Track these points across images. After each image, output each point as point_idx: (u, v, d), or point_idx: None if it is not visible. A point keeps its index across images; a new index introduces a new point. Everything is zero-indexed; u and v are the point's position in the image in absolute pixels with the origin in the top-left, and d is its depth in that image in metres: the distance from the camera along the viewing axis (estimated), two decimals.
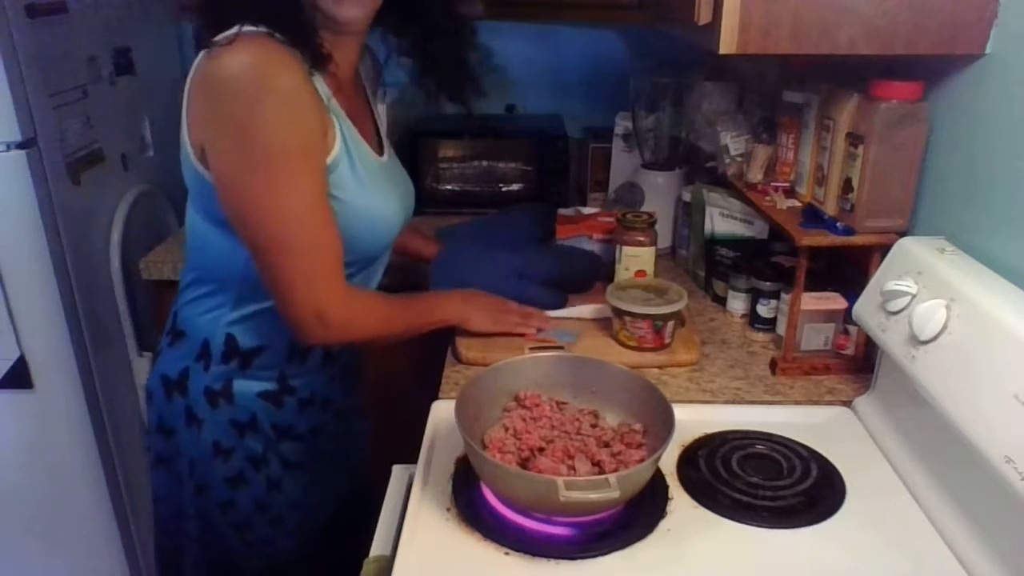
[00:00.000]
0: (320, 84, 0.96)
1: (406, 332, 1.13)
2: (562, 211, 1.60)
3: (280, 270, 0.95)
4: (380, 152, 1.11)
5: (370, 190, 1.02)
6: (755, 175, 1.34)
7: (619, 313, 1.22)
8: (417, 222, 1.83)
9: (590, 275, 1.37)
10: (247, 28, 0.90)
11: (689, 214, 1.55)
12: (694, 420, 1.04)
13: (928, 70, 1.07)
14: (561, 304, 1.34)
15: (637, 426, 0.96)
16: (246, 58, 0.88)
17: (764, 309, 1.30)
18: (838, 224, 1.12)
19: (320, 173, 0.94)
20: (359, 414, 1.30)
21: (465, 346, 1.22)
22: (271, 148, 0.90)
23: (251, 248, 0.95)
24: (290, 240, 0.93)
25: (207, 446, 1.06)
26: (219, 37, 0.89)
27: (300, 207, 0.93)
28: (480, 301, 1.25)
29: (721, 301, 1.42)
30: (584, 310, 1.34)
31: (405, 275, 1.49)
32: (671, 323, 1.21)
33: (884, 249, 1.06)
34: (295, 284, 0.95)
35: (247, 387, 1.06)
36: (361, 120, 1.07)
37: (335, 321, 0.98)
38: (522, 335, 1.22)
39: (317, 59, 0.94)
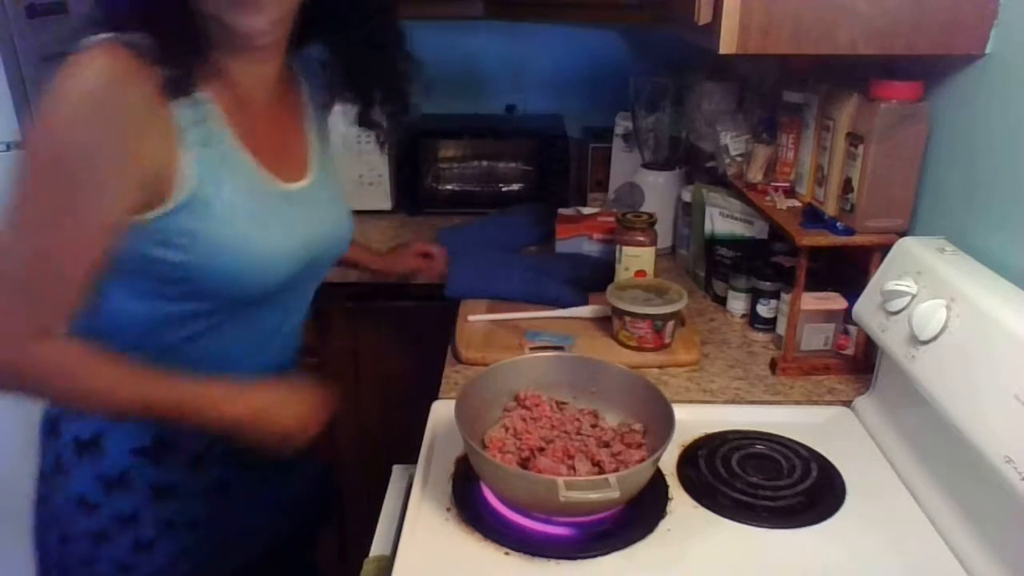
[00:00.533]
0: (192, 108, 0.82)
1: (144, 413, 0.87)
2: (562, 211, 1.60)
3: None
4: (298, 178, 0.95)
5: (242, 224, 0.86)
6: (755, 175, 1.34)
7: (619, 313, 1.22)
8: (417, 222, 1.85)
9: (601, 276, 1.37)
10: (105, 35, 0.78)
11: (689, 214, 1.55)
12: (694, 420, 1.04)
13: (928, 70, 1.07)
14: (584, 301, 1.36)
15: (637, 426, 0.96)
16: (86, 69, 0.76)
17: (764, 309, 1.30)
18: (838, 224, 1.12)
19: (101, 212, 0.79)
20: (303, 459, 1.04)
21: (465, 346, 1.23)
22: (55, 158, 0.77)
23: None
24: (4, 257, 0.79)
25: (72, 498, 0.95)
26: (74, 45, 0.78)
27: (44, 232, 0.78)
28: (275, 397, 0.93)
29: (721, 301, 1.42)
30: (584, 310, 1.34)
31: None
32: (671, 323, 1.21)
33: (884, 249, 1.06)
34: None
35: (119, 441, 0.93)
36: (271, 143, 0.92)
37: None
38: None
39: (185, 80, 0.80)
